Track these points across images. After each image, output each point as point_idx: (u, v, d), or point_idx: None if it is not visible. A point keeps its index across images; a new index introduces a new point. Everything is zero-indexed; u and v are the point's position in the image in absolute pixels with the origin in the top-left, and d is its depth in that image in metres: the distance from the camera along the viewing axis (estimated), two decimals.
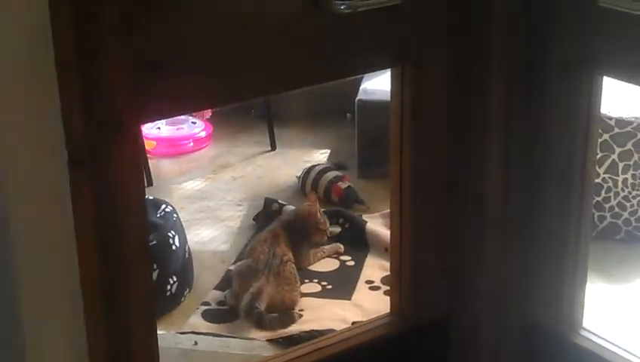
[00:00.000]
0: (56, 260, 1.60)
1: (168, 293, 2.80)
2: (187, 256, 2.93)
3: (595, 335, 2.05)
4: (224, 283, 2.93)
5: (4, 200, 1.53)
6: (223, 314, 2.78)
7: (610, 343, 2.03)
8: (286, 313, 2.72)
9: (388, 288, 2.84)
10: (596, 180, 2.92)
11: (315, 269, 3.00)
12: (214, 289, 2.92)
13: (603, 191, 3.00)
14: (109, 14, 1.53)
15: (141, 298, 1.73)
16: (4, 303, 1.59)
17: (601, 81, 1.94)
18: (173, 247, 2.83)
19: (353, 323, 2.64)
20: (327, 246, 3.10)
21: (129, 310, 1.71)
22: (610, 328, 2.18)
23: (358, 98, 3.62)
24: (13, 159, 1.52)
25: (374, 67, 2.19)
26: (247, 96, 2.01)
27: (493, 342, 2.18)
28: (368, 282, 2.95)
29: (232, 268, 2.97)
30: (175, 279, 2.83)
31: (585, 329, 2.07)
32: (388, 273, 2.92)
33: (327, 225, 3.09)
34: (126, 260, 1.68)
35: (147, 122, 3.39)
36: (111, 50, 1.56)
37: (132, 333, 1.73)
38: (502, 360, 2.19)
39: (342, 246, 3.14)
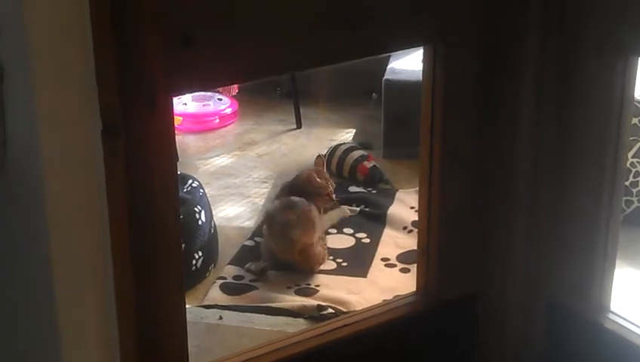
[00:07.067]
0: (89, 227, 1.60)
1: (193, 268, 2.81)
2: (213, 231, 2.94)
3: (623, 318, 2.04)
4: (239, 258, 2.94)
5: (39, 167, 1.53)
6: (239, 287, 2.79)
7: (638, 327, 2.02)
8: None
9: (403, 266, 2.86)
10: None
11: (331, 246, 2.99)
12: (229, 264, 2.93)
13: (631, 176, 2.98)
14: None
15: (171, 269, 1.73)
16: (39, 263, 1.61)
17: (637, 63, 1.92)
18: (200, 222, 2.84)
19: None
20: (332, 212, 3.07)
21: (159, 280, 1.72)
22: (638, 313, 2.17)
23: (385, 78, 3.61)
24: (48, 128, 1.53)
25: (407, 44, 2.18)
26: (278, 71, 2.02)
27: (519, 323, 2.18)
28: (384, 259, 2.94)
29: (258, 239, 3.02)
30: (200, 254, 2.83)
31: (613, 312, 2.07)
32: (404, 250, 2.94)
33: (331, 188, 3.00)
34: (157, 229, 1.69)
35: (179, 94, 3.40)
36: (146, 23, 1.56)
37: (161, 305, 1.74)
38: (528, 341, 2.19)
39: (348, 211, 3.13)
